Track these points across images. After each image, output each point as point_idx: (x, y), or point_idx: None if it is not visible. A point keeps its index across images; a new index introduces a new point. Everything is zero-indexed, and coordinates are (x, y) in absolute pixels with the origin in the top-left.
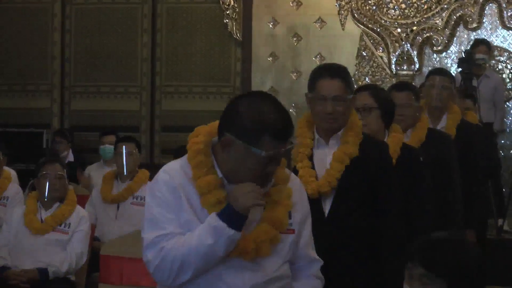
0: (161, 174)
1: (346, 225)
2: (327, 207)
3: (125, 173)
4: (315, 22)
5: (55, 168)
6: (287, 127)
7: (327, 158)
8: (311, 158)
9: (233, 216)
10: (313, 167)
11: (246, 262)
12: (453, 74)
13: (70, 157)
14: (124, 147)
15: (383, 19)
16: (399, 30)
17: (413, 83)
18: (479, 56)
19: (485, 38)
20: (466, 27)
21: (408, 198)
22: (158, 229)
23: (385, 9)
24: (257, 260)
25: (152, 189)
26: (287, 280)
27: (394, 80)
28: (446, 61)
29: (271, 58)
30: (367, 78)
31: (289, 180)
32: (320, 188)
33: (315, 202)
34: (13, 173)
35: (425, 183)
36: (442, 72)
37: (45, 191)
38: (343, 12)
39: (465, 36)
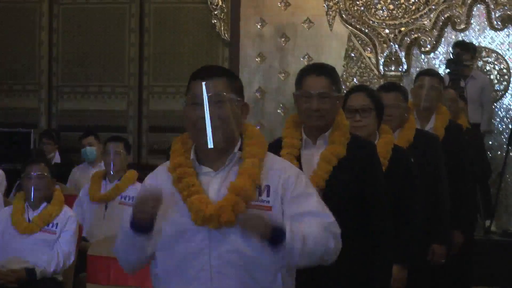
0: (150, 174)
1: None
2: None
3: (111, 172)
4: (303, 22)
5: (38, 168)
6: (204, 68)
7: (315, 158)
8: (298, 159)
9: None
10: (300, 168)
11: (214, 232)
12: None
13: (57, 158)
14: (111, 146)
15: (371, 20)
16: (387, 31)
17: (401, 84)
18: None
19: (473, 39)
20: (454, 28)
21: (398, 199)
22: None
23: (373, 10)
24: (224, 230)
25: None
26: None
27: (382, 81)
28: (434, 62)
29: (258, 59)
30: (355, 79)
31: (263, 157)
32: None
33: None
34: (1, 173)
35: (416, 184)
36: (431, 72)
37: (30, 191)
38: (331, 12)
39: (453, 37)
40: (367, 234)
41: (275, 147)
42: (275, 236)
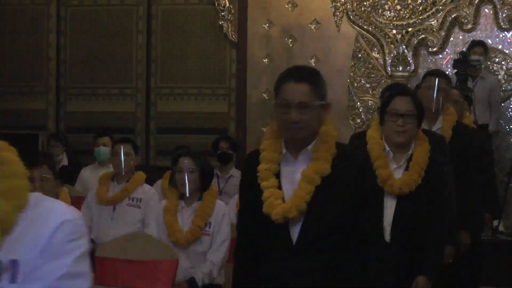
0: None
1: (317, 253)
2: (295, 233)
3: (122, 173)
4: (310, 23)
5: (41, 171)
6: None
7: (296, 176)
8: (278, 175)
9: None
10: (280, 187)
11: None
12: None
13: (65, 161)
14: (121, 147)
15: (379, 21)
16: (394, 31)
17: (409, 85)
18: (474, 57)
19: (481, 39)
20: (461, 28)
21: (428, 212)
22: None
23: (380, 11)
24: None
25: None
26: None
27: (389, 82)
28: (441, 62)
29: (266, 60)
30: (362, 79)
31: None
32: (287, 214)
33: (281, 228)
34: None
35: (446, 199)
36: (439, 73)
37: None
38: (338, 13)
39: (460, 37)
40: (350, 262)
41: (253, 160)
42: None
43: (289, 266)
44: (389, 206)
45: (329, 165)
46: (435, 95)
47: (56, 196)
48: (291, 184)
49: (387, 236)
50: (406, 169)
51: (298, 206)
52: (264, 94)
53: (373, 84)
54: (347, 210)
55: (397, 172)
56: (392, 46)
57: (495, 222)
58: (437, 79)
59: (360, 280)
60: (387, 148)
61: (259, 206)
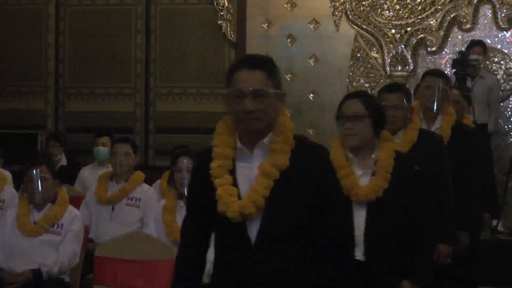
0: None
1: (277, 253)
2: (253, 232)
3: (118, 172)
4: (309, 23)
5: (39, 170)
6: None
7: (252, 171)
8: (232, 172)
9: None
10: (235, 184)
11: None
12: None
13: (64, 161)
14: (119, 146)
15: (377, 20)
16: (393, 31)
17: (408, 84)
18: (473, 57)
19: (480, 39)
20: (460, 28)
21: (407, 215)
22: None
23: (379, 10)
24: None
25: None
26: None
27: (388, 81)
28: (440, 61)
29: None
30: (361, 79)
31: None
32: (244, 210)
33: (238, 227)
34: (8, 175)
35: (424, 198)
36: (437, 73)
37: (32, 193)
38: (337, 13)
39: (459, 37)
40: (316, 264)
41: (205, 158)
42: None
43: (248, 269)
44: (360, 215)
45: (288, 158)
46: (436, 95)
47: (55, 194)
48: (247, 181)
49: (361, 252)
50: (374, 174)
51: (256, 202)
52: None
53: (372, 84)
54: (311, 207)
55: (364, 179)
56: (391, 45)
57: (494, 222)
58: (436, 79)
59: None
60: (350, 155)
61: (214, 206)
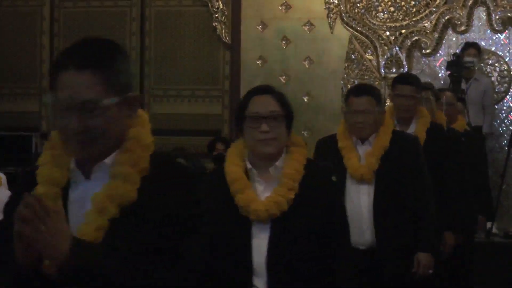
0: None
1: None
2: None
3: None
4: (304, 25)
5: None
6: None
7: (86, 203)
8: (65, 201)
9: None
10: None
11: None
12: (441, 77)
13: None
14: None
15: (372, 22)
16: (387, 33)
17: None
18: (467, 59)
19: (474, 41)
20: (454, 30)
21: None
22: None
23: (373, 12)
24: None
25: None
26: None
27: (383, 83)
28: (434, 63)
29: (259, 62)
30: (356, 81)
31: None
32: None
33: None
34: (2, 177)
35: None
36: (407, 81)
37: None
38: (332, 15)
39: (454, 39)
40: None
41: (28, 180)
42: None
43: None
44: (262, 238)
45: (135, 187)
46: (408, 104)
47: None
48: (79, 215)
49: (263, 282)
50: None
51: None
52: None
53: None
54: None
55: (267, 193)
56: (386, 47)
57: (489, 224)
58: (405, 87)
59: None
60: (249, 166)
61: None
